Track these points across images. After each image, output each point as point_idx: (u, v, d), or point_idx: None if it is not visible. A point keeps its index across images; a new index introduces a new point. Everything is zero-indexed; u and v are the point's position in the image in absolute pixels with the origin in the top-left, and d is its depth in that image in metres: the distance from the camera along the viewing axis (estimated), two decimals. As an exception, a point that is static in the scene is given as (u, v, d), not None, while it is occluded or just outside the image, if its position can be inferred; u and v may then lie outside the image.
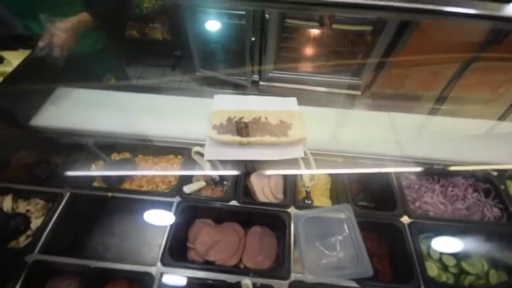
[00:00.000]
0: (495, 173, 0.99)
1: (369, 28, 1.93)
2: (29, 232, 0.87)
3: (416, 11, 0.66)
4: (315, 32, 2.18)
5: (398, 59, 1.90)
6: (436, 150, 0.97)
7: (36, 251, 0.78)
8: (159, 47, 2.58)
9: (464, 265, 0.83)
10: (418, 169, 0.98)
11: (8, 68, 0.98)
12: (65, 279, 0.82)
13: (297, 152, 0.95)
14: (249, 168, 0.99)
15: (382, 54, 1.95)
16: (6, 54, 1.03)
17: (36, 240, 0.80)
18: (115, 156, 1.06)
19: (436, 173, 1.01)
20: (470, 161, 0.98)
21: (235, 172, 0.96)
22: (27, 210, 0.90)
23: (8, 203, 0.90)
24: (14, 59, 1.01)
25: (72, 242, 0.90)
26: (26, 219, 0.87)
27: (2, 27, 1.17)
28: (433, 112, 1.21)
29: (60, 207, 0.86)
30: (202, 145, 0.99)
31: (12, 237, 0.85)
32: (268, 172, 1.01)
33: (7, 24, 1.16)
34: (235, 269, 0.83)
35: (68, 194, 0.89)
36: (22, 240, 0.85)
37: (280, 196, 0.97)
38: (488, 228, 0.89)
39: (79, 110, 1.07)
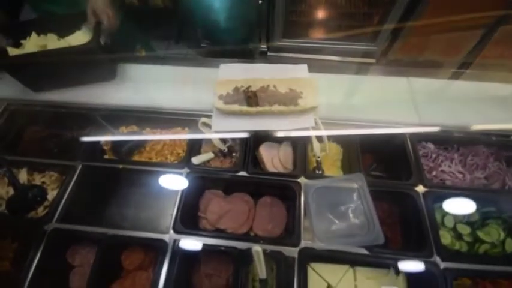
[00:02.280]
0: (520, 141, 0.93)
1: (387, -14, 1.75)
2: (46, 203, 0.90)
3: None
4: (327, -10, 2.00)
5: (419, 21, 1.74)
6: (457, 117, 0.91)
7: (54, 220, 0.82)
8: (160, 16, 2.46)
9: (480, 234, 0.81)
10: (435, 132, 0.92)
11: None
12: (84, 246, 0.86)
13: (307, 122, 0.92)
14: (258, 138, 0.97)
15: (401, 16, 1.78)
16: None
17: (53, 210, 0.83)
18: (123, 130, 1.06)
19: (455, 141, 0.95)
20: (494, 128, 0.92)
21: (244, 143, 0.94)
22: (43, 182, 0.93)
23: (23, 176, 0.93)
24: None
25: (88, 211, 0.93)
26: (42, 190, 0.89)
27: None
28: (454, 76, 1.12)
29: (74, 179, 0.88)
30: (209, 116, 0.96)
31: (31, 207, 0.88)
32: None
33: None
34: (246, 237, 0.84)
35: (80, 167, 0.90)
36: (40, 211, 0.89)
37: (290, 167, 0.95)
38: (506, 196, 0.85)
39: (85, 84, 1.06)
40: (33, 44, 0.94)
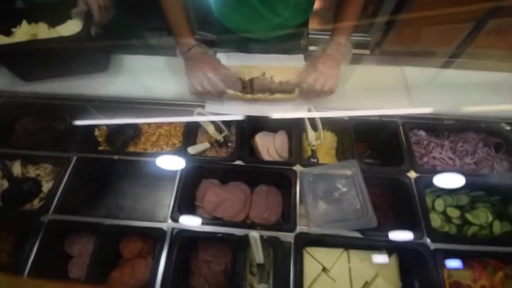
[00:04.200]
0: (508, 127, 0.96)
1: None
2: (42, 195, 0.89)
3: None
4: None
5: (412, 13, 1.75)
6: (449, 103, 0.93)
7: (50, 211, 0.81)
8: (155, 8, 2.41)
9: (469, 216, 0.84)
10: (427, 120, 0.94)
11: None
12: (82, 236, 0.87)
13: (301, 108, 0.93)
14: (253, 127, 0.98)
15: (394, 8, 1.79)
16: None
17: (49, 202, 0.83)
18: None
19: (446, 129, 0.98)
20: (484, 112, 0.95)
21: (239, 132, 0.95)
22: (37, 175, 0.92)
23: (17, 168, 0.92)
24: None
25: (85, 202, 0.93)
26: (37, 183, 0.89)
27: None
28: (446, 65, 1.14)
29: (69, 170, 0.88)
30: (204, 106, 0.97)
31: (26, 200, 0.88)
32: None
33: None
34: (243, 224, 0.86)
35: (74, 158, 0.90)
36: (36, 203, 0.88)
37: (285, 155, 0.96)
38: (495, 180, 0.88)
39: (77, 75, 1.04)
40: (23, 32, 0.92)
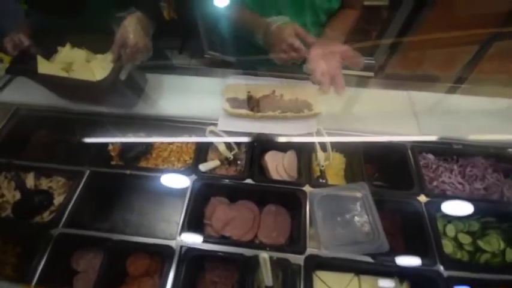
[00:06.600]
0: (517, 153, 0.96)
1: (385, 3, 1.84)
2: (53, 208, 0.90)
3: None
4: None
5: (416, 37, 1.81)
6: (456, 129, 0.95)
7: (60, 225, 0.82)
8: (166, 28, 2.53)
9: (481, 243, 0.83)
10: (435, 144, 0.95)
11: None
12: (89, 252, 0.86)
13: (310, 127, 0.95)
14: (263, 146, 0.99)
15: (398, 32, 1.86)
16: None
17: (60, 215, 0.83)
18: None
19: (454, 153, 0.98)
20: (492, 140, 0.96)
21: (249, 151, 0.96)
22: (50, 187, 0.93)
23: (30, 180, 0.93)
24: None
25: (94, 217, 0.93)
26: (49, 195, 0.90)
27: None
28: (452, 91, 1.17)
29: (81, 184, 0.89)
30: (216, 124, 0.99)
31: (37, 212, 0.88)
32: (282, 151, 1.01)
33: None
34: (252, 243, 0.85)
35: (87, 172, 0.91)
36: (46, 215, 0.89)
37: (294, 175, 0.97)
38: (507, 207, 0.88)
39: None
40: (61, 58, 0.94)
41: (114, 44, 0.88)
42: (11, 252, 0.88)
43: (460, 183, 0.94)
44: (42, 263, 0.76)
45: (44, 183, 0.94)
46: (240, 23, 0.97)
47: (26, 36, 0.95)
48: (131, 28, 0.86)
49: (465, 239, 0.84)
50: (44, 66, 0.91)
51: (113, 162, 1.01)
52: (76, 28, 0.95)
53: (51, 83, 0.97)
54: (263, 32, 0.86)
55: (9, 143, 1.01)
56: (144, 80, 1.13)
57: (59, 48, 0.96)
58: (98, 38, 0.94)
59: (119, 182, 0.97)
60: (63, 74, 0.92)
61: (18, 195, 0.90)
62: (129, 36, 0.86)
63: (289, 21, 0.84)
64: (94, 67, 0.93)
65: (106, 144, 1.03)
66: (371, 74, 2.31)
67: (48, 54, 0.95)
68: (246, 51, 1.17)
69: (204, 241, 0.79)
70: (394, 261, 0.74)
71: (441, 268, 0.73)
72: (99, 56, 0.96)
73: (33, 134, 1.06)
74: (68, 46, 0.96)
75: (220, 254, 0.77)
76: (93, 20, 0.90)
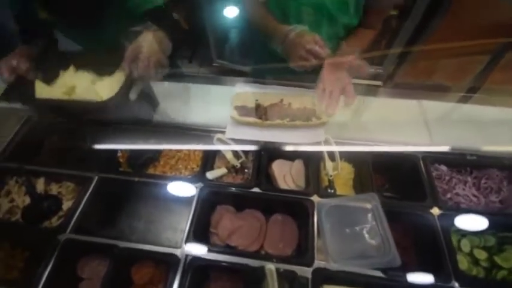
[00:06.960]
0: (533, 165, 0.93)
1: (394, 12, 1.84)
2: (61, 213, 0.91)
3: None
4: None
5: (426, 46, 1.80)
6: (468, 139, 0.92)
7: (68, 230, 0.82)
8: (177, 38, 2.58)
9: (498, 259, 0.79)
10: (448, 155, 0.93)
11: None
12: (94, 258, 0.86)
13: (318, 136, 0.94)
14: (271, 155, 0.99)
15: (407, 41, 1.85)
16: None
17: (68, 220, 0.84)
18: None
19: (468, 164, 0.95)
20: (506, 151, 0.93)
21: (257, 159, 0.96)
22: (59, 193, 0.95)
23: (40, 185, 0.95)
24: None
25: (102, 223, 0.93)
26: (57, 201, 0.91)
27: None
28: (463, 100, 1.14)
29: (90, 190, 0.90)
30: (224, 132, 0.99)
31: (46, 217, 0.89)
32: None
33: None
34: (258, 254, 0.83)
35: (96, 178, 0.92)
36: (54, 220, 0.89)
37: (302, 184, 0.96)
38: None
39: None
40: (63, 81, 0.88)
41: (125, 59, 0.80)
42: (19, 256, 0.89)
43: (474, 195, 0.90)
44: (48, 269, 0.76)
45: (54, 189, 0.95)
46: (261, 27, 0.98)
47: (24, 59, 0.86)
48: (145, 43, 0.79)
49: (481, 255, 0.80)
50: (42, 91, 0.83)
51: (121, 169, 1.01)
52: (91, 40, 0.95)
53: (50, 107, 0.88)
54: (282, 38, 0.87)
55: (22, 149, 1.04)
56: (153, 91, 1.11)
57: (61, 72, 0.89)
58: (108, 58, 0.87)
59: (126, 189, 0.97)
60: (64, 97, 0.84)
61: (27, 200, 0.92)
62: (142, 50, 0.78)
63: (307, 30, 0.86)
64: (99, 89, 0.84)
65: (115, 151, 1.05)
66: (379, 83, 2.30)
67: (49, 79, 0.88)
68: (258, 59, 1.18)
69: (209, 250, 0.78)
70: (405, 277, 0.71)
71: (456, 285, 0.70)
72: (106, 78, 0.87)
73: (45, 140, 1.09)
74: (71, 69, 0.90)
75: (225, 264, 0.76)
76: (108, 31, 0.86)
